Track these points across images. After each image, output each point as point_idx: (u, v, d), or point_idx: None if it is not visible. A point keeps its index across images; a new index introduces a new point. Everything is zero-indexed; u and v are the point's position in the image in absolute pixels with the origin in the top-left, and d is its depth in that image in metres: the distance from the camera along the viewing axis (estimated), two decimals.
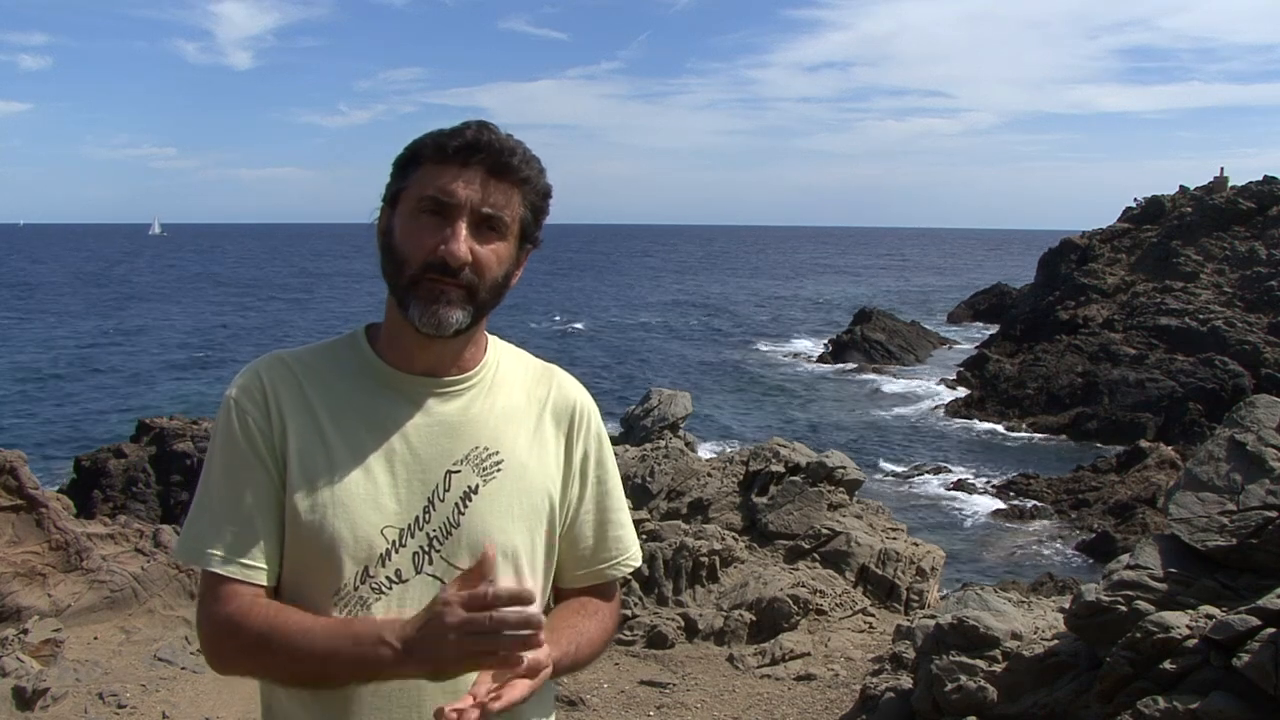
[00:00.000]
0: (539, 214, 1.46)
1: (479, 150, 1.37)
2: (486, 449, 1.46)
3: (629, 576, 7.00)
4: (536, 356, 1.65)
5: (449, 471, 1.44)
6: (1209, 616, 3.83)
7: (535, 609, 1.22)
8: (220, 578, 1.38)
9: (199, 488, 1.45)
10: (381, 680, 1.32)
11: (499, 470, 1.46)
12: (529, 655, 1.27)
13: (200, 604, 1.42)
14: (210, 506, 1.42)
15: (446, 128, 1.41)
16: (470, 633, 1.20)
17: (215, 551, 1.39)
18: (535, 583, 1.51)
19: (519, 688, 1.26)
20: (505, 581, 1.43)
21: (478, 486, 1.44)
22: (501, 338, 1.63)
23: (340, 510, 1.39)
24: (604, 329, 49.74)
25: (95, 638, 6.20)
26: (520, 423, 1.51)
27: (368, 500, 1.40)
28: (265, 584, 1.40)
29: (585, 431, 1.57)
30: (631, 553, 1.62)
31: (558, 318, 53.42)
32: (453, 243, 1.36)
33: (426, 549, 1.42)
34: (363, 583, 1.40)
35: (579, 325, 50.69)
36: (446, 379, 1.47)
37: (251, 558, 1.39)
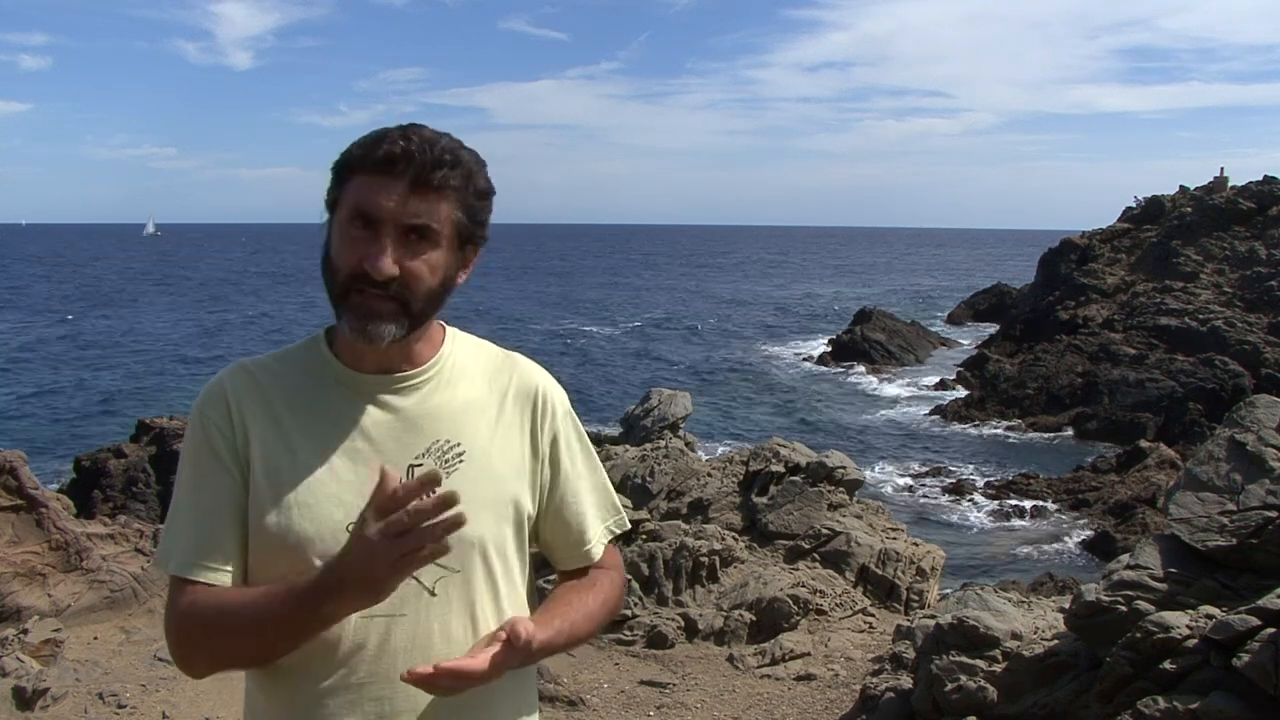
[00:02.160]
0: (476, 214, 1.45)
1: (400, 162, 1.37)
2: (448, 441, 1.48)
3: (629, 576, 7.01)
4: (531, 355, 1.66)
5: (411, 465, 1.46)
6: (1209, 616, 3.83)
7: (450, 491, 1.21)
8: (184, 581, 1.42)
9: (172, 498, 1.49)
10: (338, 620, 1.34)
11: (461, 461, 1.48)
12: (523, 631, 1.31)
13: (166, 609, 1.46)
14: (178, 514, 1.46)
15: (372, 134, 1.42)
16: (392, 534, 1.20)
17: (180, 557, 1.42)
18: (510, 571, 1.52)
19: (483, 659, 1.31)
20: (477, 573, 1.48)
21: (440, 479, 1.46)
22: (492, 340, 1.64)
23: (305, 510, 1.41)
24: (604, 328, 49.74)
25: (95, 638, 6.20)
26: (481, 412, 1.53)
27: (332, 499, 1.42)
28: (230, 586, 1.43)
29: (550, 415, 1.58)
30: (599, 535, 1.63)
31: (568, 321, 53.41)
32: (377, 258, 1.37)
33: None
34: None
35: (582, 327, 50.71)
36: (401, 374, 1.49)
37: (215, 561, 1.42)
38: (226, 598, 1.39)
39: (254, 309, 56.70)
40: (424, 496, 1.21)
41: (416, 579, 1.42)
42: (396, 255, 1.38)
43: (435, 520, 1.20)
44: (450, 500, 1.20)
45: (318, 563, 1.39)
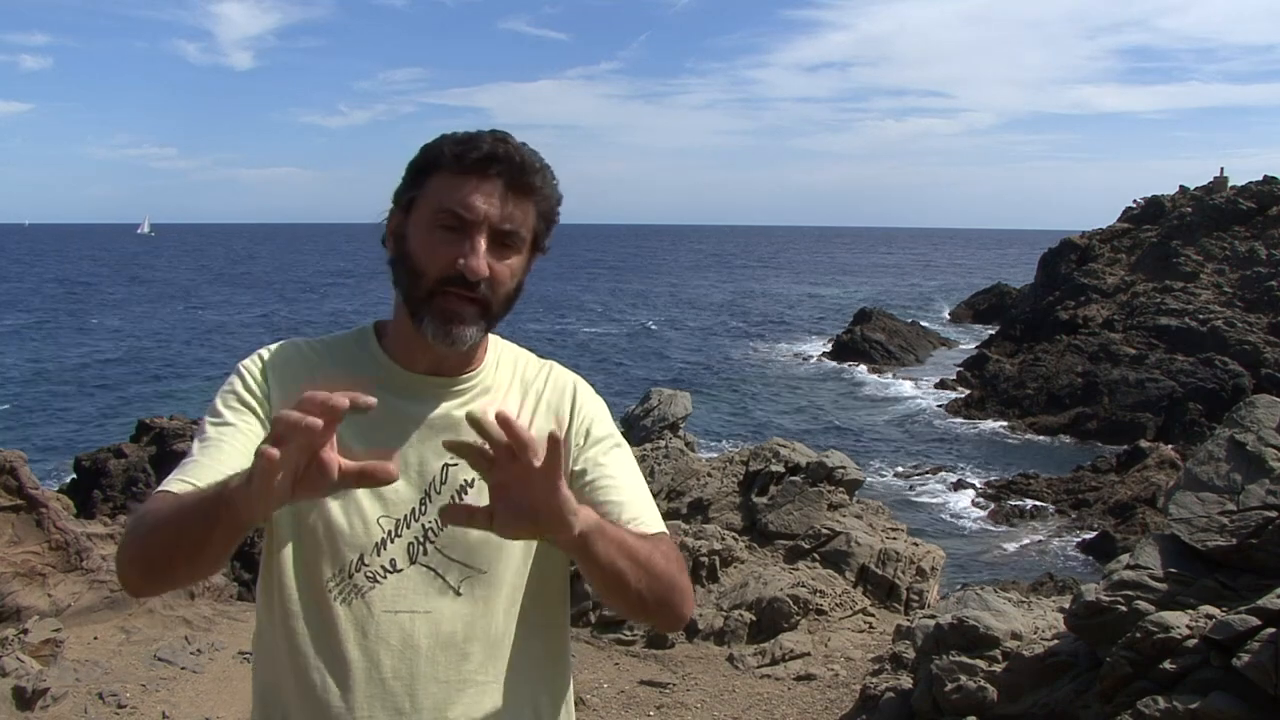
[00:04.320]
0: (550, 224, 1.47)
1: (498, 163, 1.37)
2: (484, 445, 1.48)
3: None
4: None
5: (446, 465, 1.46)
6: (1209, 616, 3.83)
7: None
8: (159, 493, 1.33)
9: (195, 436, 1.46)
10: (233, 520, 1.16)
11: None
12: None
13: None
14: (193, 448, 1.40)
15: (463, 134, 1.41)
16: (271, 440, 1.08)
17: (175, 475, 1.35)
18: (541, 573, 1.52)
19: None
20: (503, 574, 1.47)
21: (474, 480, 1.46)
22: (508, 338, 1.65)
23: (341, 501, 1.42)
24: (604, 329, 49.75)
25: (95, 638, 6.20)
26: (518, 417, 1.52)
27: (365, 490, 1.42)
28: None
29: (581, 413, 1.57)
30: (643, 518, 1.49)
31: (571, 319, 53.40)
32: (473, 258, 1.37)
33: (422, 540, 1.44)
34: (357, 570, 1.42)
35: (584, 326, 50.70)
36: (450, 378, 1.50)
37: (205, 479, 1.32)
38: (170, 496, 1.30)
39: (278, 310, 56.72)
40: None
41: (442, 577, 1.44)
42: (487, 257, 1.38)
43: (297, 421, 1.06)
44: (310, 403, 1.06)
45: (346, 551, 1.41)
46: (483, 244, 1.37)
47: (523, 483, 1.19)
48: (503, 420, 1.16)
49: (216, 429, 1.41)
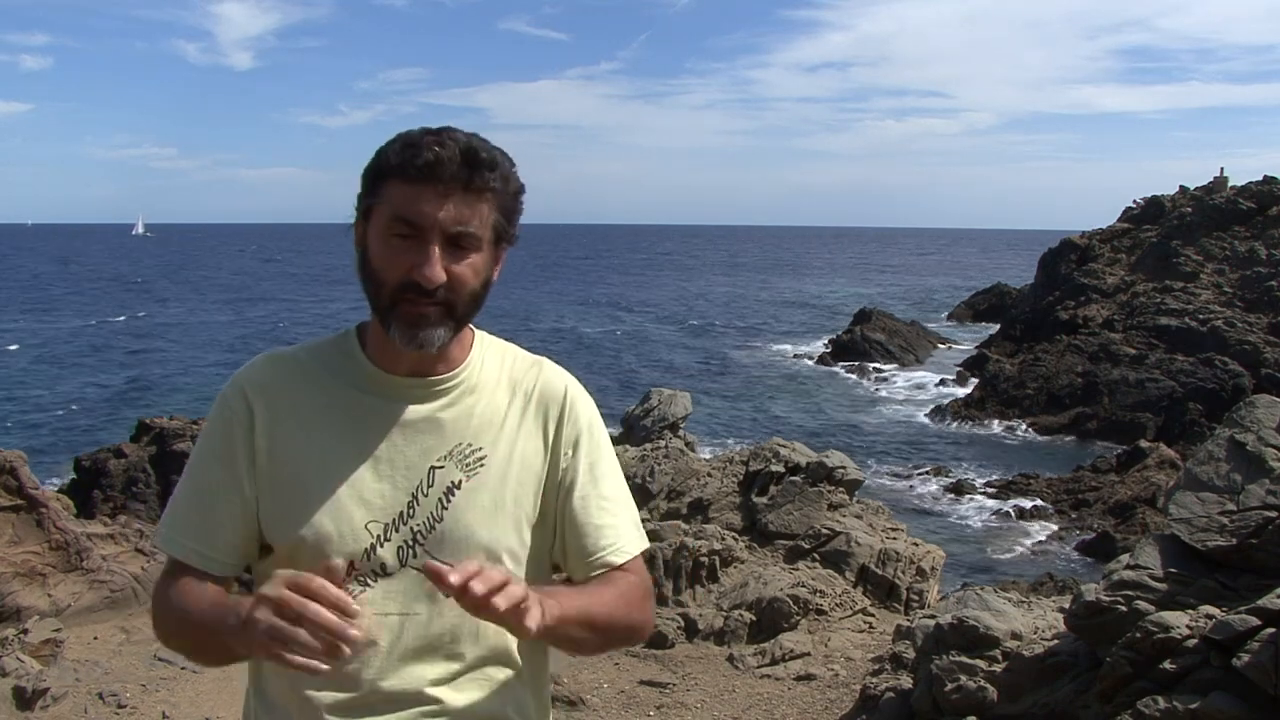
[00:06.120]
0: (512, 214, 1.45)
1: (442, 167, 1.36)
2: (470, 445, 1.48)
3: None
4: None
5: (433, 467, 1.46)
6: (1209, 616, 3.83)
7: (354, 629, 1.20)
8: (175, 561, 1.46)
9: (182, 476, 1.52)
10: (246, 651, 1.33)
11: (482, 466, 1.48)
12: (509, 597, 1.23)
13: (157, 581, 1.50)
14: (182, 495, 1.49)
15: (410, 136, 1.40)
16: (272, 617, 1.20)
17: (166, 532, 1.46)
18: (525, 577, 1.50)
19: (493, 584, 1.23)
20: (495, 572, 1.43)
21: (460, 482, 1.46)
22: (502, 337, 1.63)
23: (325, 505, 1.42)
24: (603, 328, 49.73)
25: (95, 638, 6.20)
26: (505, 417, 1.52)
27: (353, 496, 1.43)
28: (219, 574, 1.45)
29: (573, 419, 1.56)
30: (621, 543, 1.53)
31: (567, 320, 53.36)
32: (427, 267, 1.36)
33: (411, 543, 1.44)
34: (348, 576, 1.42)
35: (581, 327, 50.70)
36: (432, 378, 1.49)
37: (208, 546, 1.45)
38: (190, 595, 1.42)
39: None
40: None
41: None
42: (443, 261, 1.38)
43: (314, 629, 1.19)
44: (337, 630, 1.19)
45: (339, 560, 1.40)
46: (436, 251, 1.37)
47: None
48: (434, 574, 1.23)
49: (203, 478, 1.47)
